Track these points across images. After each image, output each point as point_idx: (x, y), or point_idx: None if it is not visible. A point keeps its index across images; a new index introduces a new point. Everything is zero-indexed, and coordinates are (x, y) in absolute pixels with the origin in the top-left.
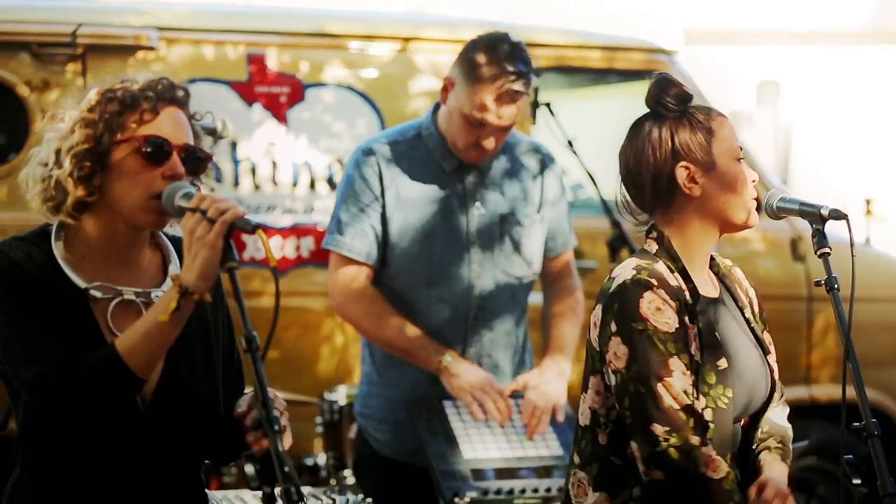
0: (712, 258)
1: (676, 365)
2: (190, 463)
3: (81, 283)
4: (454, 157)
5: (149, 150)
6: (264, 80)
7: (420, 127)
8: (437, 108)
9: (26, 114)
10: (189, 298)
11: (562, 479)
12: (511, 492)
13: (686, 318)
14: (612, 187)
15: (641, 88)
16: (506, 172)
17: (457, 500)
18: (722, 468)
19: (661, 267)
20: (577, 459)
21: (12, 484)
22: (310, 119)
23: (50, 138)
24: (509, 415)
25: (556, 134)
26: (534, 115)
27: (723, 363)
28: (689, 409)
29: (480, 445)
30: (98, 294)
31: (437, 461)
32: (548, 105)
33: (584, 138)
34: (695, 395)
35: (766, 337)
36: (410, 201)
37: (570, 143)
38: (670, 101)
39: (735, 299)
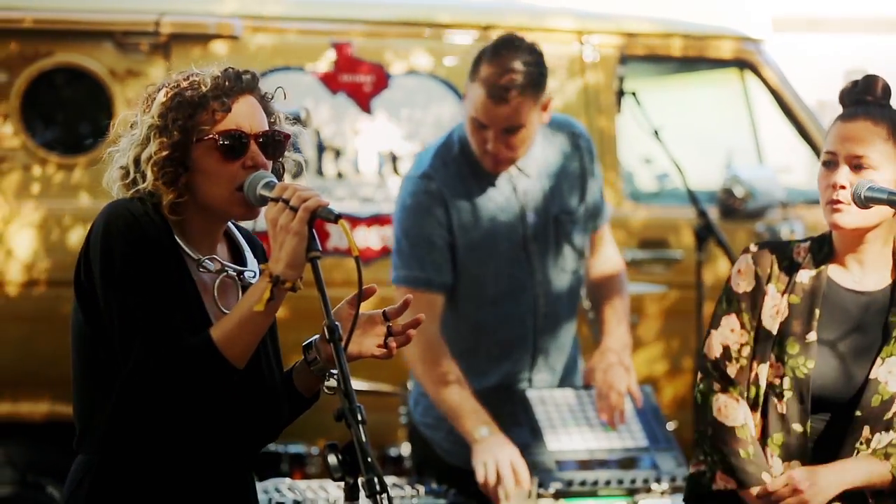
0: None
1: (728, 322)
2: (250, 453)
3: (194, 255)
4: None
5: (225, 144)
6: (349, 68)
7: (460, 140)
8: None
9: (110, 103)
10: (281, 288)
11: (647, 470)
12: (596, 483)
13: (775, 286)
14: (699, 176)
15: (729, 77)
16: (549, 168)
17: (541, 491)
18: (736, 417)
19: (799, 244)
20: (716, 387)
21: (81, 469)
22: (394, 107)
23: (127, 144)
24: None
25: (642, 123)
26: (619, 104)
27: (812, 336)
28: (719, 362)
29: (565, 437)
30: (211, 267)
31: (522, 452)
32: (634, 94)
33: (670, 127)
34: (740, 353)
35: None
36: (472, 223)
37: (656, 132)
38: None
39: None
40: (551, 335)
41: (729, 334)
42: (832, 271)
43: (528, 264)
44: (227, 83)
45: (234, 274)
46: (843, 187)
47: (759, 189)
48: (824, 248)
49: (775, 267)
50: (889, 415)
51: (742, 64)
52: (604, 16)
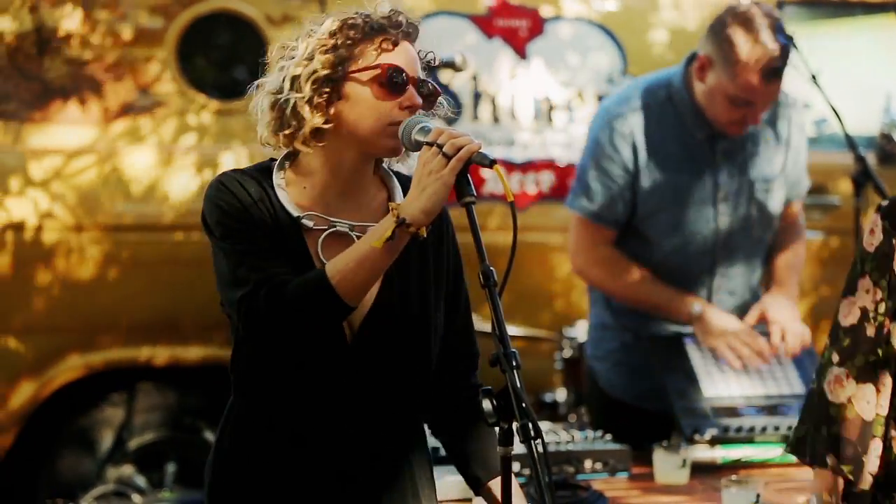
0: None
1: (863, 284)
2: (402, 401)
3: (295, 212)
4: (707, 126)
5: (389, 79)
6: (504, 13)
7: (670, 87)
8: (688, 62)
9: (265, 48)
10: (405, 230)
11: None
12: (752, 430)
13: None
14: (857, 122)
15: (887, 22)
16: (755, 136)
17: (697, 437)
18: (840, 394)
19: None
20: (835, 358)
21: (227, 410)
22: (549, 53)
23: (284, 66)
24: (770, 356)
25: (799, 68)
26: None
27: None
28: (847, 330)
29: (721, 383)
30: (309, 224)
31: (678, 398)
32: (791, 38)
33: (828, 72)
34: (877, 311)
35: None
36: (661, 171)
37: (814, 77)
38: None
39: None
40: (728, 295)
41: (865, 296)
42: None
43: (715, 222)
44: (399, 19)
45: (349, 230)
46: None
47: None
48: None
49: None
50: None
51: None
52: None
